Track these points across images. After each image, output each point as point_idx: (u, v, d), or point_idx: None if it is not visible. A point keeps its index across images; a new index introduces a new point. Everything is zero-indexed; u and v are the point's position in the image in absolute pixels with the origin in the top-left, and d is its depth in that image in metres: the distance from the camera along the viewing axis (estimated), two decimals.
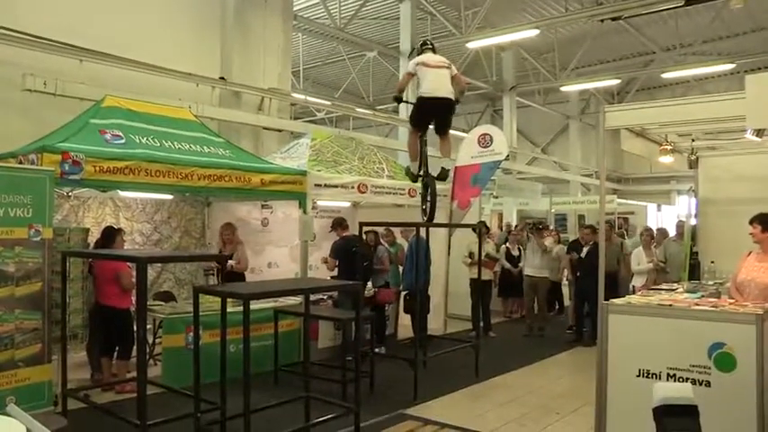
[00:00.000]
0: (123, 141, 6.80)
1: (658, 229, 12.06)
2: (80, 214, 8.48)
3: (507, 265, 12.66)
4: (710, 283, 6.08)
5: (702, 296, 5.35)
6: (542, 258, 10.95)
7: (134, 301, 7.15)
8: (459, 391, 7.31)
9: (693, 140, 7.25)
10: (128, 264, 6.89)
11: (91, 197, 8.51)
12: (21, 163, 6.05)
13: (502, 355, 9.12)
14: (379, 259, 9.25)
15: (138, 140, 6.97)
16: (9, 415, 1.87)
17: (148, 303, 6.96)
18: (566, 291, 12.19)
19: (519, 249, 12.57)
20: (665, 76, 19.18)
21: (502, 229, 16.62)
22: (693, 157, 7.60)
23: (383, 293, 9.09)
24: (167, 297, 8.87)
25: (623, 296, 6.08)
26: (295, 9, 13.85)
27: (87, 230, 7.73)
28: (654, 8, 13.34)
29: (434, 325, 9.75)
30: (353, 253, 8.37)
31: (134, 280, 6.87)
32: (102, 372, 7.06)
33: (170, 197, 9.22)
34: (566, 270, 11.41)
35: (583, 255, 10.23)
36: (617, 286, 9.22)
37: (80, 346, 7.23)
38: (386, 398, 6.88)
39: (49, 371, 5.59)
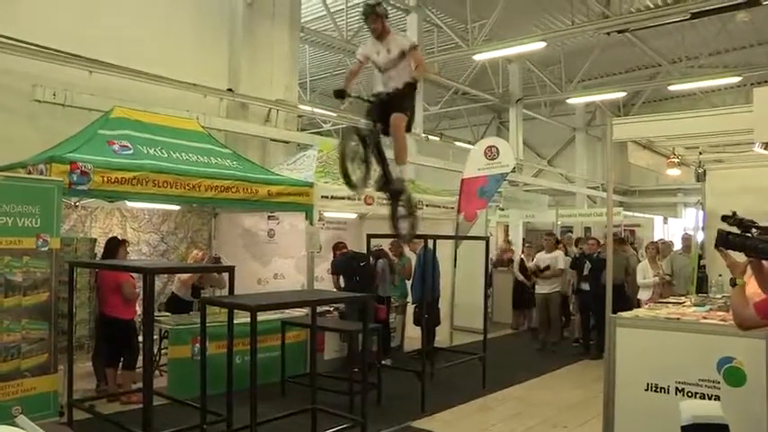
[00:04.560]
0: (131, 152, 6.83)
1: (662, 242, 12.04)
2: (87, 224, 8.51)
3: (521, 277, 12.62)
4: (719, 296, 6.04)
5: (711, 309, 5.32)
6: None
7: (138, 312, 7.18)
8: (466, 404, 7.27)
9: (701, 153, 7.23)
10: (131, 274, 6.90)
11: (98, 207, 8.54)
12: (29, 173, 6.09)
13: (509, 367, 9.07)
14: (378, 274, 9.19)
15: (145, 151, 7.01)
16: (17, 425, 1.87)
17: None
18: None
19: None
20: (671, 88, 19.18)
21: (509, 241, 16.61)
22: (701, 170, 7.57)
23: (377, 309, 8.74)
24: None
25: (627, 309, 6.04)
26: (302, 21, 13.91)
27: (95, 241, 7.76)
28: (660, 21, 13.37)
29: (440, 337, 9.71)
30: (351, 258, 8.40)
31: (136, 290, 6.92)
32: (107, 382, 7.05)
33: (177, 208, 9.24)
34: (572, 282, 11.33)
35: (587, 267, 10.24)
36: (622, 299, 9.16)
37: (86, 357, 7.23)
38: (393, 410, 6.85)
39: (55, 381, 5.60)
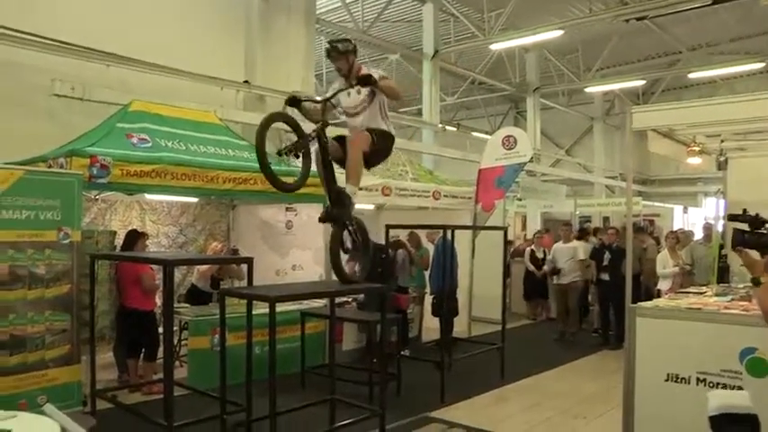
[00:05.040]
0: (150, 145, 6.87)
1: (682, 232, 11.94)
2: (107, 217, 8.58)
3: (531, 268, 12.59)
4: (741, 286, 5.97)
5: (732, 299, 5.26)
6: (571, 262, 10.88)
7: (158, 303, 7.25)
8: (484, 394, 7.28)
9: (722, 141, 7.13)
10: (150, 266, 6.96)
11: (118, 200, 8.61)
12: (50, 167, 6.15)
13: (527, 358, 9.06)
14: (398, 264, 9.21)
15: (164, 144, 7.05)
16: (45, 414, 1.90)
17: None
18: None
19: (543, 252, 12.48)
20: (691, 76, 18.94)
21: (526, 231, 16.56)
22: (722, 159, 7.47)
23: (397, 298, 8.95)
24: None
25: (643, 298, 5.99)
26: (318, 12, 13.89)
27: (114, 233, 7.83)
28: (680, 7, 13.17)
29: (459, 328, 9.71)
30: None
31: (156, 282, 6.99)
32: (128, 373, 7.14)
33: (195, 200, 9.29)
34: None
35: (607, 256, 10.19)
36: (638, 288, 9.10)
37: (108, 348, 7.32)
38: (412, 400, 6.87)
39: (78, 371, 5.68)
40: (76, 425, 1.88)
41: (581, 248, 11.03)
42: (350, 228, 4.95)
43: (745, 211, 3.61)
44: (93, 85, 8.58)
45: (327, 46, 4.77)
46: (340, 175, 4.90)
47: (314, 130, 4.57)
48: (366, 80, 4.49)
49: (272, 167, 4.42)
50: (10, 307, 5.23)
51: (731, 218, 3.67)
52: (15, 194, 5.25)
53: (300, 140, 4.48)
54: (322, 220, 4.94)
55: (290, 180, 4.81)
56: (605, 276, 10.19)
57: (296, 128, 4.54)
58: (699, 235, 11.14)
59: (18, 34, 8.01)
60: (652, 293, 9.31)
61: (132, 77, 9.10)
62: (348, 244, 5.06)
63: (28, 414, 2.34)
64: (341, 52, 4.67)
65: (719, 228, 8.29)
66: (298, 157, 4.60)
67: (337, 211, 4.75)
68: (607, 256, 10.18)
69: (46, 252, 5.44)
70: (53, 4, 8.70)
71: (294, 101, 4.76)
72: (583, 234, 12.33)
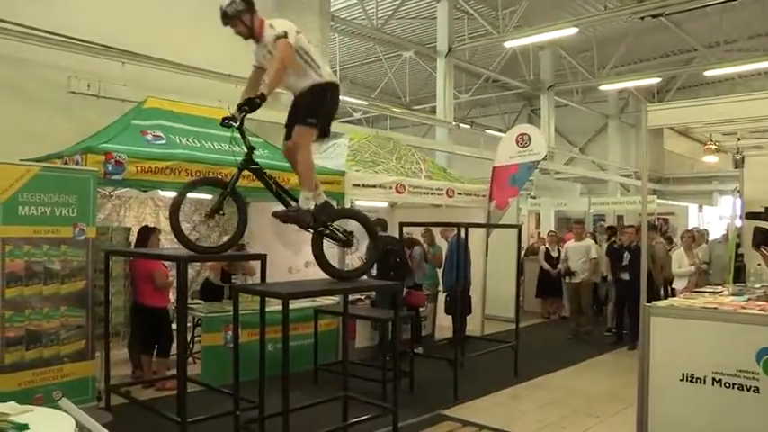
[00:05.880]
0: (164, 142, 6.90)
1: (697, 230, 11.85)
2: (122, 214, 8.64)
3: (546, 266, 12.55)
4: (757, 285, 5.90)
5: (749, 299, 5.21)
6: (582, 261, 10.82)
7: (172, 300, 7.28)
8: (498, 392, 7.25)
9: (739, 139, 7.06)
10: (163, 263, 6.99)
11: (132, 197, 8.66)
12: (66, 164, 6.19)
13: (541, 356, 9.03)
14: (415, 261, 9.21)
15: (178, 141, 7.07)
16: (61, 409, 1.92)
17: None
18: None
19: (558, 250, 12.43)
20: (707, 73, 18.74)
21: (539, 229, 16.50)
22: (739, 157, 7.40)
23: (414, 296, 8.96)
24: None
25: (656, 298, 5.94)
26: (332, 10, 13.89)
27: (129, 230, 7.87)
28: (697, 4, 13.04)
29: (472, 326, 9.68)
30: (388, 251, 8.38)
31: (168, 279, 7.02)
32: (142, 369, 7.19)
33: (209, 197, 9.30)
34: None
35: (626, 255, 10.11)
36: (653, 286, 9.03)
37: (122, 344, 7.36)
38: (425, 398, 6.85)
39: (93, 367, 5.72)
40: (92, 420, 1.89)
41: (593, 247, 10.96)
42: (328, 231, 4.85)
43: (766, 209, 3.56)
44: (108, 83, 8.63)
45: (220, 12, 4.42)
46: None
47: (231, 179, 4.72)
48: (247, 107, 4.39)
49: None
50: (26, 302, 5.27)
51: (750, 216, 3.62)
52: (32, 191, 5.29)
53: (219, 196, 4.60)
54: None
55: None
56: (625, 276, 10.09)
57: (216, 185, 4.58)
58: (714, 234, 11.05)
59: (36, 32, 8.06)
60: (658, 294, 9.24)
61: (147, 75, 9.13)
62: (339, 242, 4.98)
63: (44, 408, 2.36)
64: (230, 16, 4.43)
65: (736, 226, 8.21)
66: (223, 214, 4.74)
67: (302, 224, 4.67)
68: (626, 255, 10.09)
69: (61, 248, 5.48)
70: (70, 3, 8.75)
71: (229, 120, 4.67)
72: (614, 232, 12.24)
